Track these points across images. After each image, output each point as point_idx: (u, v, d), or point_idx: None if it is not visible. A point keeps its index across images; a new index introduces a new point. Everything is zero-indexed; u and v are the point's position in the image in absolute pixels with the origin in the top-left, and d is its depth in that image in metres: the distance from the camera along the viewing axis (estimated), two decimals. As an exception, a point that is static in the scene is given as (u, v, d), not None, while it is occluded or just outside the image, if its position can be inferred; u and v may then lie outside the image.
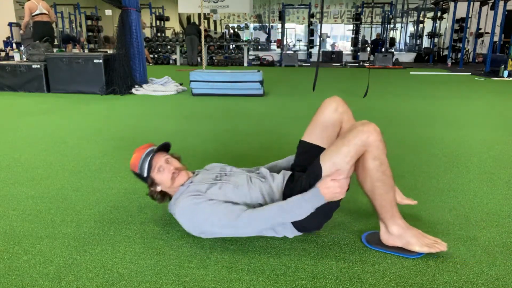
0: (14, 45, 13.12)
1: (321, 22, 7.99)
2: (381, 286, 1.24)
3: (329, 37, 20.81)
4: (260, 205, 1.49)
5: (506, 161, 2.54)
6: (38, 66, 5.89)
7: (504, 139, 3.12)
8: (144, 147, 1.61)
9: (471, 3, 11.47)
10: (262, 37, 17.31)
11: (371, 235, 1.54)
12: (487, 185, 2.12)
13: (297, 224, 1.47)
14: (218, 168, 1.67)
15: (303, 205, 1.36)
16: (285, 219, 1.39)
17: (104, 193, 2.00)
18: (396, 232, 1.41)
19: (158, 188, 1.59)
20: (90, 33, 15.54)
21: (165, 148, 1.66)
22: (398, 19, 18.12)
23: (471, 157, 2.62)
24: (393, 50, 14.90)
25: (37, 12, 7.14)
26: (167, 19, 15.55)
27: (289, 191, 1.50)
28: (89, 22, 15.74)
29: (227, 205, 1.42)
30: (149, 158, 1.56)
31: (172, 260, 1.38)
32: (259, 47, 16.08)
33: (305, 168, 1.52)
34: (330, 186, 1.34)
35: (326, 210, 1.46)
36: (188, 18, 17.95)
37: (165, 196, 1.61)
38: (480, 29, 12.55)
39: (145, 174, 1.56)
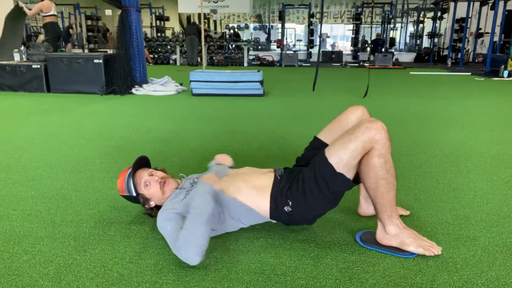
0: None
1: (321, 22, 8.01)
2: (381, 286, 1.24)
3: (329, 37, 20.83)
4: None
5: (506, 161, 2.54)
6: (38, 66, 5.88)
7: (504, 139, 3.12)
8: (125, 170, 1.62)
9: (471, 3, 11.47)
10: (262, 37, 17.32)
11: (366, 234, 1.54)
12: (487, 185, 2.12)
13: (288, 220, 1.48)
14: (196, 175, 1.71)
15: (195, 197, 1.41)
16: (202, 217, 1.33)
17: (104, 193, 2.00)
18: (392, 232, 1.42)
19: (152, 204, 1.60)
20: (90, 33, 15.53)
21: (144, 163, 1.68)
22: (398, 19, 18.12)
23: (471, 157, 2.62)
24: (393, 50, 14.90)
25: (51, 13, 7.17)
26: (167, 19, 15.56)
27: (286, 183, 1.49)
28: (89, 22, 15.74)
29: (177, 231, 1.37)
30: (131, 177, 1.58)
31: (172, 260, 1.38)
32: (259, 47, 16.08)
33: (307, 163, 1.53)
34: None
35: (320, 208, 1.46)
36: (188, 18, 17.98)
37: None
38: (480, 29, 12.55)
39: (134, 193, 1.58)
